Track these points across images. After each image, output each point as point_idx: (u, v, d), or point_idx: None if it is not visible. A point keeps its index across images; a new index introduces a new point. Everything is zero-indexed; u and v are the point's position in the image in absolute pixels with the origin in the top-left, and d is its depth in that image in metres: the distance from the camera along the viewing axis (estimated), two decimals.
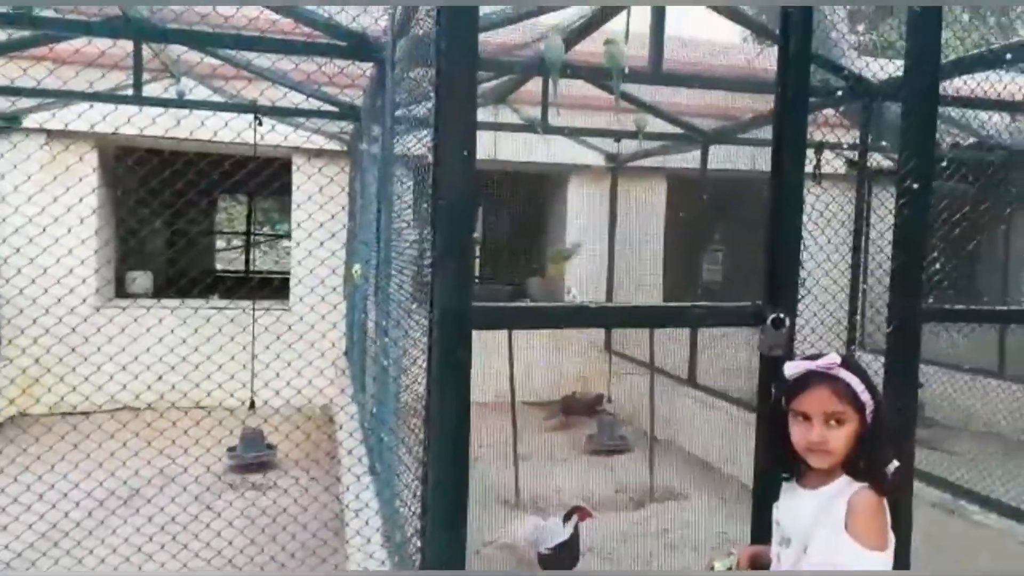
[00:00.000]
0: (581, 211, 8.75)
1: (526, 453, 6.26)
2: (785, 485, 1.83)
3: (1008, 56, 3.26)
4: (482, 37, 4.21)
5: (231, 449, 5.75)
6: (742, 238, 10.50)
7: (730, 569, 1.95)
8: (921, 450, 6.43)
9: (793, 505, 1.76)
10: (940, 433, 6.88)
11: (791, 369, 1.75)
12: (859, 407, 1.67)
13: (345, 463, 4.73)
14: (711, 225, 8.94)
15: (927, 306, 2.34)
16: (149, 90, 6.22)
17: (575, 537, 3.73)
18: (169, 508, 4.64)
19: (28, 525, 4.18)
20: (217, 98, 6.58)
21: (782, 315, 2.15)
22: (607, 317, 2.20)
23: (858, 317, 5.37)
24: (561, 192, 9.03)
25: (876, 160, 8.82)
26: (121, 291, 8.33)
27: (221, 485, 5.39)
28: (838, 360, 1.71)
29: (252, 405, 5.57)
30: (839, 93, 4.07)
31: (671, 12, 4.26)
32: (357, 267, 4.95)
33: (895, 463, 1.70)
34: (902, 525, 1.95)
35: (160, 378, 6.75)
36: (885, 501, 1.65)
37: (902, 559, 1.90)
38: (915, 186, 2.28)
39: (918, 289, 2.32)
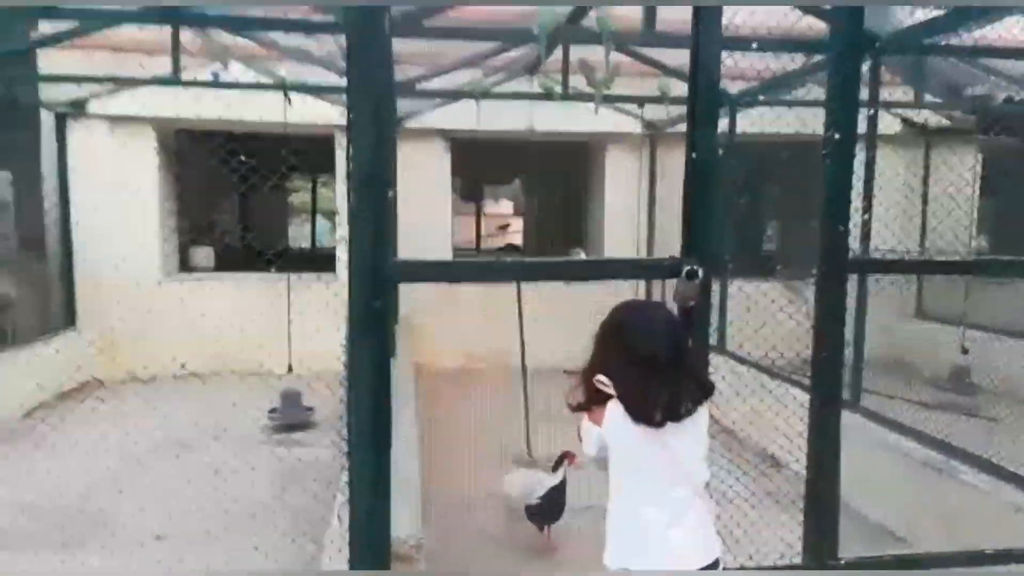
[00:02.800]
0: (619, 178, 8.73)
1: (554, 415, 6.38)
2: None
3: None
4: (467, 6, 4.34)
5: (272, 411, 6.13)
6: (787, 205, 10.23)
7: None
8: (961, 417, 6.18)
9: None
10: (986, 399, 6.62)
11: None
12: None
13: None
14: (753, 189, 8.74)
15: (855, 256, 2.35)
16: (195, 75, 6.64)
17: (563, 483, 3.88)
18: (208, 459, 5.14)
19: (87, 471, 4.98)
20: (264, 79, 6.85)
21: (695, 267, 2.22)
22: (527, 271, 2.32)
23: None
24: (599, 161, 9.02)
25: (927, 118, 8.41)
26: (185, 265, 8.88)
27: (263, 440, 5.84)
28: None
29: (290, 368, 5.92)
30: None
31: None
32: None
33: None
34: None
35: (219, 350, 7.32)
36: None
37: None
38: (837, 136, 2.30)
39: (843, 239, 2.34)
